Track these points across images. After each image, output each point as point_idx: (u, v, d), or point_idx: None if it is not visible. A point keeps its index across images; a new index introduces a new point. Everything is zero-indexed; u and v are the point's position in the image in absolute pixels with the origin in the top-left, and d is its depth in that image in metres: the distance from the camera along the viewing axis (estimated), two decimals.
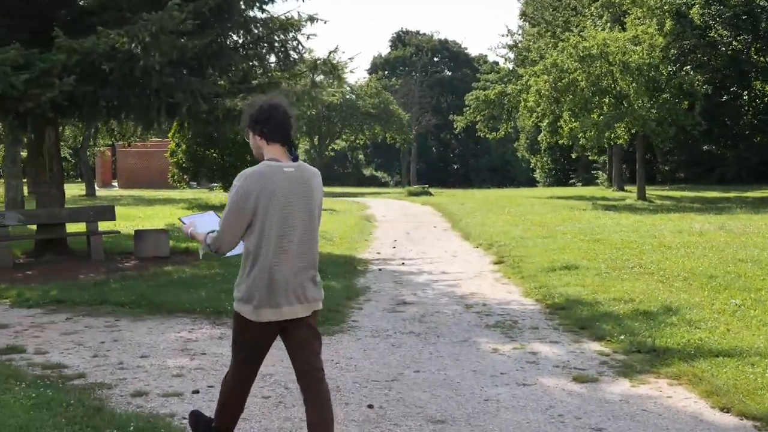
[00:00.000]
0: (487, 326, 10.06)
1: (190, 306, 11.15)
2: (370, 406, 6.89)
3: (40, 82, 13.49)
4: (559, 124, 37.88)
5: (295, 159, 5.27)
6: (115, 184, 62.76)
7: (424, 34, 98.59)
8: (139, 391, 7.26)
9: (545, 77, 35.79)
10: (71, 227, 18.69)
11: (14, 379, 7.34)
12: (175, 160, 35.29)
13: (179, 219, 6.18)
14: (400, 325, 10.17)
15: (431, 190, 48.97)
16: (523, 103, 40.84)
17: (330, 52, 17.51)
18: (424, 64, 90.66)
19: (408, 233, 23.09)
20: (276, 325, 5.29)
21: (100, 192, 49.80)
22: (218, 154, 34.99)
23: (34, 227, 18.47)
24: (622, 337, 9.02)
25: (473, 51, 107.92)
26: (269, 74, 17.71)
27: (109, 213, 17.74)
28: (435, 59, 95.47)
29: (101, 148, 53.55)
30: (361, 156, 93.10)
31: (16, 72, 13.23)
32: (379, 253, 18.10)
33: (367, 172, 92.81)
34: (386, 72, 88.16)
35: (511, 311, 11.02)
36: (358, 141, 71.47)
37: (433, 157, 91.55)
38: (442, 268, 15.47)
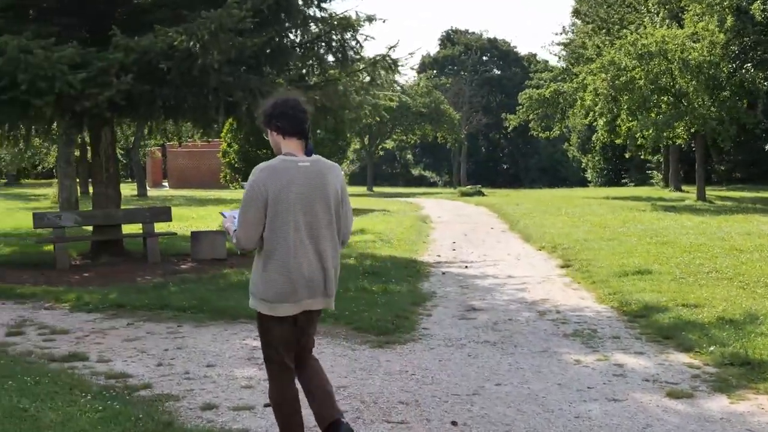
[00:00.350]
0: (565, 335, 9.58)
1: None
2: (454, 423, 6.45)
3: (97, 81, 13.25)
4: (616, 123, 37.14)
5: (309, 153, 5.28)
6: (166, 184, 62.96)
7: (473, 32, 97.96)
8: (208, 404, 6.89)
9: (603, 75, 35.11)
10: (127, 228, 18.49)
11: (79, 390, 7.02)
12: (227, 160, 35.19)
13: (221, 213, 6.18)
14: (473, 333, 9.73)
15: (483, 190, 48.41)
16: (579, 102, 40.17)
17: (390, 47, 17.05)
18: (473, 63, 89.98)
19: (466, 235, 22.62)
20: (293, 318, 5.30)
21: (151, 192, 49.86)
22: (271, 154, 34.76)
23: (89, 228, 18.31)
24: (712, 348, 8.48)
25: (522, 50, 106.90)
26: (326, 73, 17.32)
27: (165, 214, 17.48)
28: (484, 58, 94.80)
29: (152, 149, 53.65)
30: (409, 156, 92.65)
31: (73, 71, 12.99)
32: (439, 255, 17.66)
33: (415, 171, 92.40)
34: (435, 71, 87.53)
35: (588, 319, 10.52)
36: (408, 141, 70.96)
37: (482, 156, 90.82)
38: (507, 272, 15.00)
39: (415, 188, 73.53)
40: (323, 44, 16.88)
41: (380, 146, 70.46)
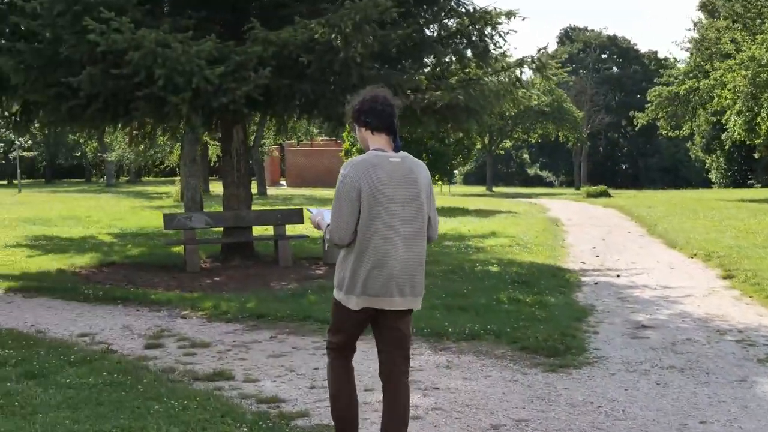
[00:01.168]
0: (759, 361, 8.47)
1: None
2: None
3: (235, 76, 12.63)
4: (756, 122, 35.29)
5: (398, 149, 5.26)
6: (283, 182, 62.93)
7: (592, 30, 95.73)
8: None
9: (743, 72, 33.37)
10: (256, 230, 17.94)
11: (231, 418, 6.30)
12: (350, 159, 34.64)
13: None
14: (652, 355, 8.69)
15: (609, 191, 46.84)
16: (716, 100, 38.38)
17: (540, 50, 16.06)
18: (592, 61, 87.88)
19: (603, 239, 21.47)
20: (370, 315, 5.27)
21: (270, 191, 49.70)
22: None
23: (216, 229, 17.84)
24: None
25: (642, 47, 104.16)
26: (467, 69, 16.41)
27: (296, 216, 16.81)
28: (603, 56, 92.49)
29: (271, 147, 53.57)
30: (525, 155, 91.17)
31: (210, 66, 12.39)
32: (583, 262, 16.58)
33: (531, 171, 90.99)
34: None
35: None
36: (529, 139, 69.53)
37: (600, 156, 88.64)
38: (662, 282, 13.86)
39: (531, 188, 72.20)
40: (464, 39, 15.96)
41: (500, 145, 69.13)
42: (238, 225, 16.30)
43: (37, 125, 15.71)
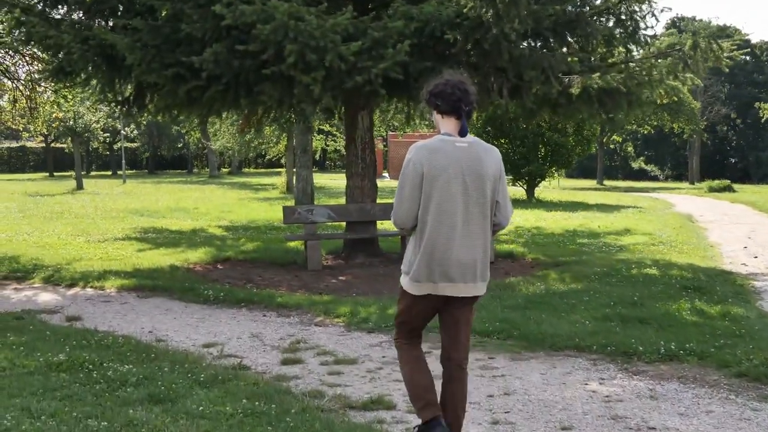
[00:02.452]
0: None
1: (580, 340, 8.51)
2: None
3: (371, 54, 11.30)
4: None
5: (464, 133, 5.18)
6: (386, 174, 61.63)
7: (701, 19, 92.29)
8: None
9: None
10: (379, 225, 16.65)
11: None
12: None
13: None
14: None
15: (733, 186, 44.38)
16: None
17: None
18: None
19: (750, 238, 19.62)
20: (436, 302, 5.23)
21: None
22: (508, 144, 32.62)
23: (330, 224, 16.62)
24: None
25: (755, 37, 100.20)
26: (614, 51, 14.83)
27: None
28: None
29: (377, 138, 52.40)
30: (630, 148, 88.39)
31: (345, 42, 11.09)
32: (745, 264, 14.83)
33: (635, 165, 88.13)
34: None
35: None
36: (641, 131, 66.87)
37: (708, 149, 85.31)
38: None
39: (637, 182, 69.76)
40: (611, 17, 14.37)
41: (612, 137, 66.60)
42: (362, 219, 15.00)
43: (151, 109, 14.50)
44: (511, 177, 33.77)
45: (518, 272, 13.51)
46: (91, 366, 7.31)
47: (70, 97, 23.50)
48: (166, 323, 9.91)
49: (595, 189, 49.34)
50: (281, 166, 55.88)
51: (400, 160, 58.78)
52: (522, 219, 23.75)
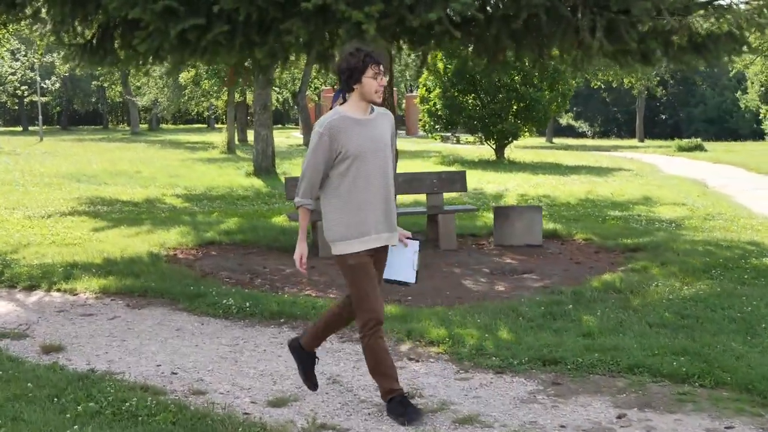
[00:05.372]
0: None
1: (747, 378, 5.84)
2: None
3: None
4: None
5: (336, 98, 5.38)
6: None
7: None
8: None
9: None
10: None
11: None
12: (427, 107, 30.29)
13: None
14: None
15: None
16: None
17: None
18: None
19: None
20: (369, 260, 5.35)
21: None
22: (477, 100, 29.88)
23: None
24: None
25: None
26: None
27: (459, 182, 12.61)
28: None
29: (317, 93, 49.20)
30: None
31: None
32: None
33: (563, 121, 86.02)
34: None
35: None
36: (593, 86, 64.45)
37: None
38: None
39: (567, 138, 68.03)
40: None
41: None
42: None
43: (121, 56, 11.27)
44: (480, 136, 31.09)
45: (599, 265, 10.81)
46: None
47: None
48: (189, 355, 6.92)
49: (548, 148, 46.94)
50: (201, 122, 52.58)
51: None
52: (529, 185, 21.19)
